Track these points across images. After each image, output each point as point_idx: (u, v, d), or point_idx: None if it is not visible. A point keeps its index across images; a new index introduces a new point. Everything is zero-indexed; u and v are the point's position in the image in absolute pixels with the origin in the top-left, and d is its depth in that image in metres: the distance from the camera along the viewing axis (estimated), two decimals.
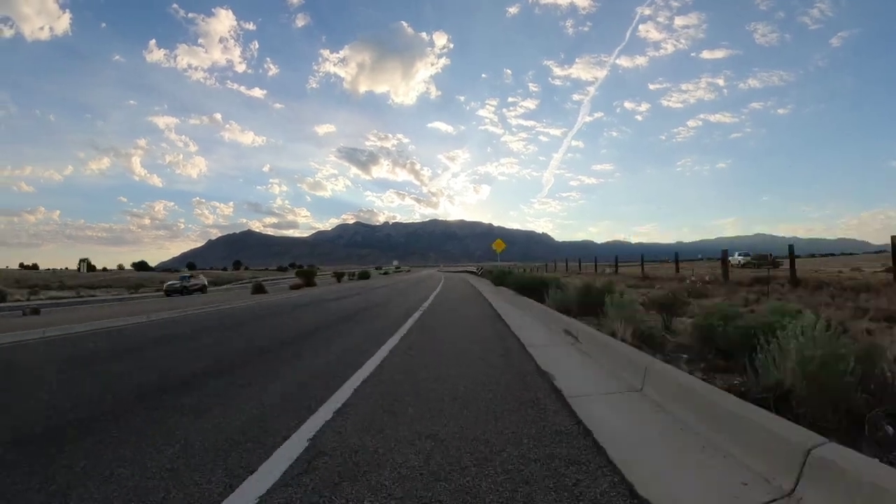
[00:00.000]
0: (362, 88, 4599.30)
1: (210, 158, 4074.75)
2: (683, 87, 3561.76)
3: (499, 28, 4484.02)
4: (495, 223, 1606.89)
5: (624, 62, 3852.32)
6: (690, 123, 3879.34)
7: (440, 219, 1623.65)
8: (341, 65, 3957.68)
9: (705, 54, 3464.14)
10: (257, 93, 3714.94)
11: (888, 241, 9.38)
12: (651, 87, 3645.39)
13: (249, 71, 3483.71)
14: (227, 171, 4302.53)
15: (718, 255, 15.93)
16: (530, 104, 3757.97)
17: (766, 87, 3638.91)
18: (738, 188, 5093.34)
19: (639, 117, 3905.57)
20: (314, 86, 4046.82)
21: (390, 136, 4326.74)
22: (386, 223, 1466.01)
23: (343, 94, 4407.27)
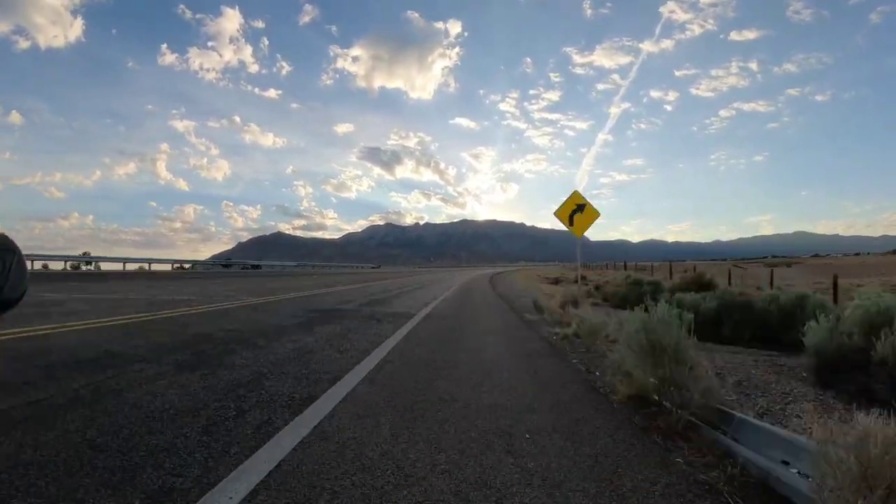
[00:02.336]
0: (377, 84, 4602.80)
1: (233, 161, 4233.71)
2: (713, 72, 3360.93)
3: (514, 13, 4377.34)
4: (527, 223, 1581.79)
5: (648, 47, 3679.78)
6: (723, 113, 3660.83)
7: (470, 219, 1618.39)
8: (353, 61, 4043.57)
9: (734, 35, 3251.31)
10: (272, 93, 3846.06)
11: None
12: (678, 73, 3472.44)
13: (263, 71, 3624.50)
14: (251, 174, 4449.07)
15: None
16: (553, 95, 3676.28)
17: (802, 71, 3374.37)
18: (776, 183, 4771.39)
19: (668, 107, 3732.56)
20: (328, 83, 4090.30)
21: (411, 134, 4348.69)
22: (416, 224, 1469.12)
23: (358, 92, 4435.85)
